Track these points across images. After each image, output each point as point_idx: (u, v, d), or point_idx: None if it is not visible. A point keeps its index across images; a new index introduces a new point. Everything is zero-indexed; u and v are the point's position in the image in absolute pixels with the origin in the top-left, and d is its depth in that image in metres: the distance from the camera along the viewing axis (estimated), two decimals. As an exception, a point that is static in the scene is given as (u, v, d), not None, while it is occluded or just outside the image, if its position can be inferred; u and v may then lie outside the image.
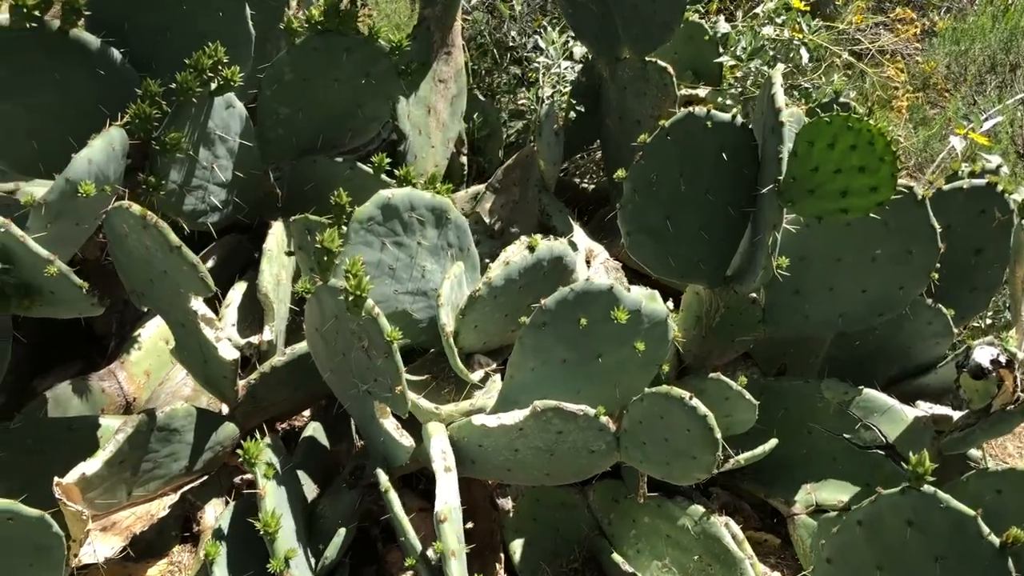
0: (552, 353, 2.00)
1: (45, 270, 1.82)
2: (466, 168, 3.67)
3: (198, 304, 2.01)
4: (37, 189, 2.19)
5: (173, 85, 2.20)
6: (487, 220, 3.22)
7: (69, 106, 2.31)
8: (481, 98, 3.86)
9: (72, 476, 1.84)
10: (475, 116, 3.79)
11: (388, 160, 2.50)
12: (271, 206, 2.78)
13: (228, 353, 2.07)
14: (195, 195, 2.43)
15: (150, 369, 2.48)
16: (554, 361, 2.01)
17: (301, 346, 2.24)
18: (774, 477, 2.55)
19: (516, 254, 2.15)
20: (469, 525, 2.66)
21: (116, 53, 2.31)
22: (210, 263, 2.64)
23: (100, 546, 1.97)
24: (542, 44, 3.58)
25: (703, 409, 1.84)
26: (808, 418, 2.54)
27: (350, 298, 1.73)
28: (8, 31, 2.14)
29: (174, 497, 2.16)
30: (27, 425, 2.11)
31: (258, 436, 1.91)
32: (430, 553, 1.86)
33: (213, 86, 2.28)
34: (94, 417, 2.21)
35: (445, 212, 2.23)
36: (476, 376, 2.21)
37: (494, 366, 2.28)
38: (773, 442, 2.31)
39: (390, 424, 1.93)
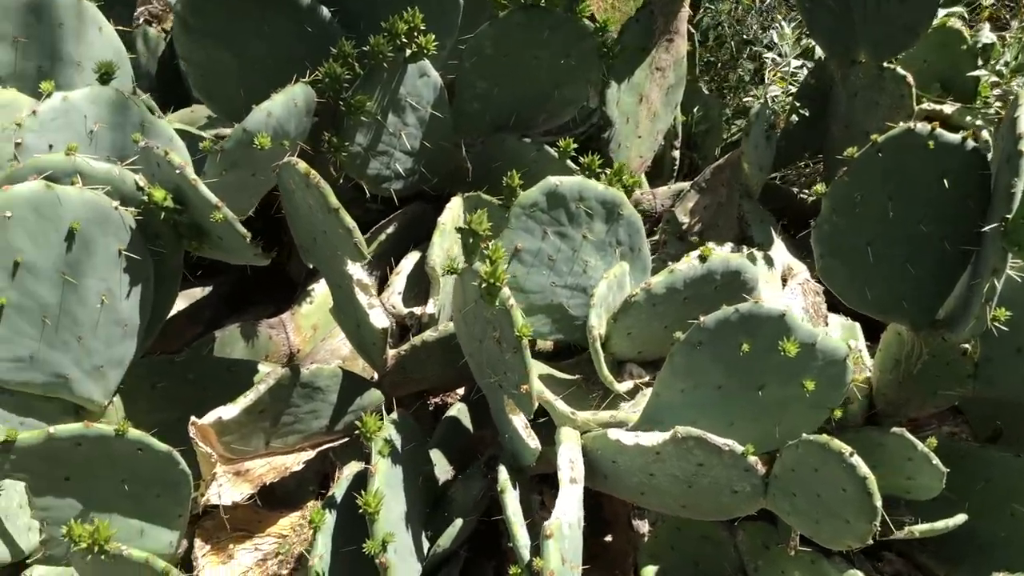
0: (706, 376, 1.82)
1: (212, 215, 1.87)
2: (677, 163, 3.47)
3: (354, 268, 2.00)
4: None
5: (367, 47, 2.19)
6: (684, 220, 3.02)
7: (276, 59, 2.38)
8: (705, 91, 3.64)
9: (209, 418, 1.89)
10: (695, 109, 3.58)
11: (575, 146, 2.39)
12: (461, 180, 2.75)
13: (379, 321, 2.04)
14: (380, 160, 2.43)
15: (318, 324, 2.53)
16: (707, 385, 1.83)
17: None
18: (962, 555, 2.20)
19: (684, 262, 1.97)
20: (608, 538, 2.53)
21: (325, 11, 2.35)
22: (390, 229, 2.64)
23: (229, 490, 2.02)
24: (776, 39, 3.30)
25: (863, 469, 1.59)
26: (1015, 497, 2.16)
27: (483, 284, 1.64)
28: (229, -21, 2.22)
29: (311, 454, 2.19)
30: (191, 360, 2.20)
31: (384, 411, 1.88)
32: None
33: (407, 53, 2.26)
34: (254, 362, 2.28)
35: (617, 207, 2.08)
36: (623, 386, 2.05)
37: (647, 379, 2.11)
38: (961, 518, 1.98)
39: (518, 422, 1.83)
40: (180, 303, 2.74)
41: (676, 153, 3.46)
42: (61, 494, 1.73)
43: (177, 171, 1.86)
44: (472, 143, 2.71)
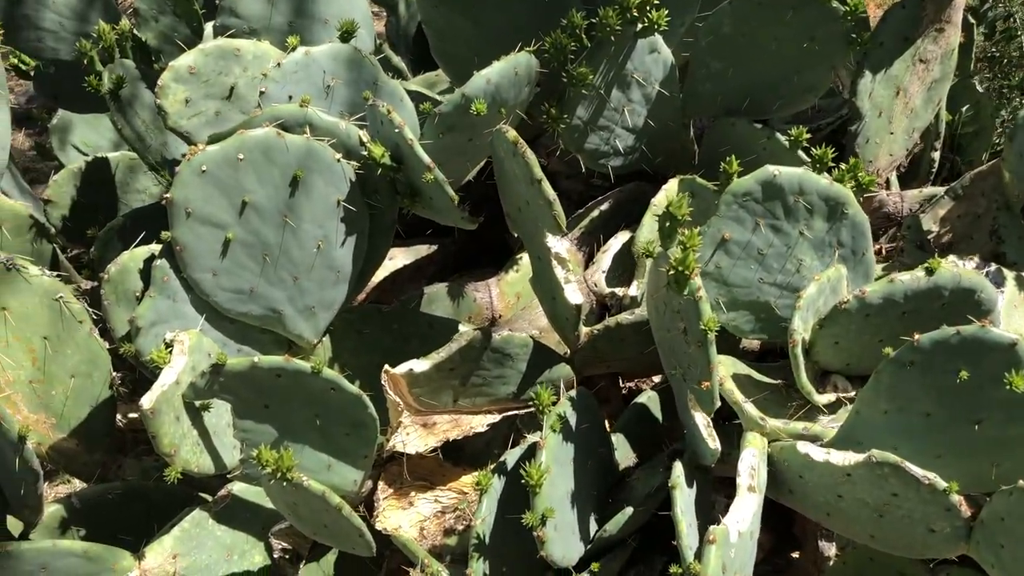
0: (914, 401, 1.64)
1: (424, 176, 1.93)
2: (936, 166, 3.16)
3: (554, 241, 1.99)
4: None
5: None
6: (932, 229, 2.75)
7: (511, 28, 2.40)
8: (979, 89, 3.27)
9: (401, 368, 1.96)
10: (964, 108, 3.24)
11: (808, 136, 2.24)
12: (684, 162, 2.66)
13: (573, 297, 2.03)
14: (600, 135, 2.40)
15: (521, 292, 2.55)
16: (914, 411, 1.65)
17: (652, 310, 2.13)
18: None
19: (908, 273, 1.78)
20: (795, 555, 2.38)
21: (566, -25, 2.33)
22: (604, 206, 2.61)
23: (415, 440, 2.09)
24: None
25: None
26: None
27: (671, 272, 1.57)
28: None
29: (496, 418, 2.22)
30: (397, 312, 2.30)
31: (563, 387, 1.86)
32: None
33: (637, 27, 2.20)
34: (454, 322, 2.34)
35: (842, 205, 1.92)
36: (824, 399, 1.90)
37: (851, 393, 1.94)
38: None
39: (699, 419, 1.75)
40: (406, 259, 2.87)
41: (936, 155, 3.15)
42: (260, 420, 1.87)
43: (396, 130, 1.93)
44: (700, 124, 2.61)
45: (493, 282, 2.55)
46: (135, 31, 2.62)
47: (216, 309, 1.95)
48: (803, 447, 1.73)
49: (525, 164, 1.86)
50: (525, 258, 2.59)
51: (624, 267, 2.46)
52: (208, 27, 2.64)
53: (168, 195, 1.80)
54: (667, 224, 1.66)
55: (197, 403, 1.80)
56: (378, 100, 2.03)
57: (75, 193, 2.98)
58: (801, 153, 2.31)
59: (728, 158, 1.97)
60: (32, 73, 3.35)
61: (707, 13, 2.41)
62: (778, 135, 2.38)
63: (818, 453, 1.71)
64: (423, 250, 2.93)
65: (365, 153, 1.98)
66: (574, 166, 2.54)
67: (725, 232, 1.92)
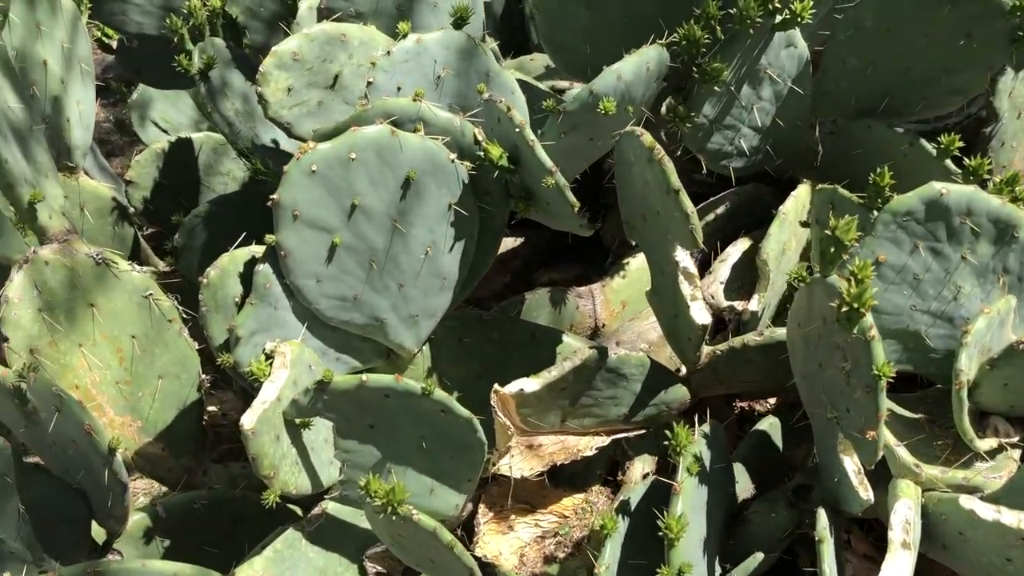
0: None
1: (544, 180, 1.77)
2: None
3: (682, 256, 1.82)
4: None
5: (733, 10, 1.96)
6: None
7: (630, 15, 2.22)
8: None
9: (511, 388, 1.82)
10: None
11: (960, 144, 2.02)
12: (806, 163, 2.45)
13: (700, 317, 1.86)
14: (724, 134, 2.21)
15: (628, 300, 2.38)
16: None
17: (782, 331, 1.94)
18: None
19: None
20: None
21: (691, -33, 2.14)
22: (720, 209, 2.42)
23: (520, 463, 1.95)
24: None
25: None
26: None
27: (843, 308, 1.38)
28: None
29: (604, 440, 2.06)
30: (498, 320, 2.14)
31: (696, 422, 1.70)
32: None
33: (777, 19, 2.00)
34: (558, 332, 2.18)
35: (1012, 228, 1.72)
36: (985, 444, 1.71)
37: (1016, 439, 1.75)
38: None
39: (850, 466, 1.57)
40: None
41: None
42: (364, 440, 1.73)
43: (516, 129, 1.76)
44: (828, 124, 2.40)
45: (597, 288, 2.38)
46: (224, 6, 2.47)
47: (317, 316, 1.81)
48: (968, 502, 1.55)
49: (662, 172, 1.68)
50: (632, 263, 2.42)
51: (744, 278, 2.28)
52: (303, 4, 2.48)
53: (275, 196, 1.66)
54: (832, 250, 1.47)
55: (298, 420, 1.67)
56: (494, 94, 1.86)
57: (157, 174, 2.87)
58: (949, 163, 2.09)
59: (879, 168, 1.78)
60: (115, 47, 3.26)
61: (847, 4, 2.19)
62: (923, 142, 2.17)
63: (986, 511, 1.52)
64: (509, 242, 2.78)
65: (481, 154, 1.82)
66: (677, 163, 2.36)
67: (880, 254, 1.72)
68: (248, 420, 1.57)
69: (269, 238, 1.71)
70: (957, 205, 1.69)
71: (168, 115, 3.40)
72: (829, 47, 2.26)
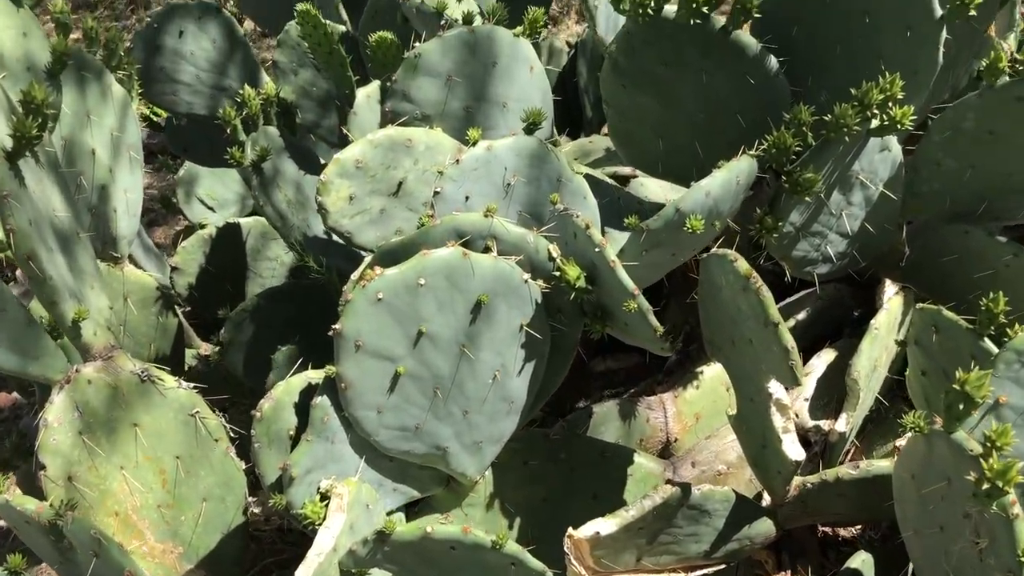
0: None
1: (625, 304, 1.62)
2: None
3: (776, 388, 1.66)
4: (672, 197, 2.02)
5: (826, 116, 1.82)
6: None
7: (706, 110, 2.10)
8: None
9: (586, 531, 1.66)
10: None
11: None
12: (892, 264, 2.29)
13: (793, 453, 1.69)
14: (810, 241, 2.05)
15: (702, 413, 2.22)
16: None
17: (881, 465, 1.77)
18: None
19: None
20: None
21: (773, 61, 2.01)
22: (801, 315, 2.26)
23: (592, 607, 1.78)
24: None
25: None
26: None
27: (984, 485, 1.22)
28: (671, 23, 1.96)
29: (681, 577, 1.90)
30: (565, 439, 1.99)
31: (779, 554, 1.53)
32: None
33: (874, 124, 1.86)
34: (629, 451, 2.03)
35: None
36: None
37: None
38: None
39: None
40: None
41: None
42: (425, 591, 1.58)
43: (596, 249, 1.63)
44: (918, 225, 2.24)
45: (668, 399, 2.22)
46: (279, 94, 2.38)
47: (375, 447, 1.67)
48: None
49: (759, 303, 1.53)
50: (707, 372, 2.26)
51: (830, 394, 2.11)
52: (360, 93, 2.39)
53: (337, 327, 1.52)
54: (960, 406, 1.31)
55: (354, 570, 1.52)
56: (569, 208, 1.73)
57: (203, 260, 2.77)
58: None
59: (994, 296, 1.62)
60: (163, 124, 3.19)
61: (944, 105, 2.05)
62: (1030, 253, 2.00)
63: None
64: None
65: (556, 273, 1.68)
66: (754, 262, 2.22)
67: (1001, 396, 1.55)
68: (303, 574, 1.42)
69: (329, 369, 1.57)
70: (1090, 344, 1.52)
71: (214, 192, 3.32)
72: (923, 147, 2.11)
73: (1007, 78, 1.93)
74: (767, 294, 1.53)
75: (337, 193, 1.81)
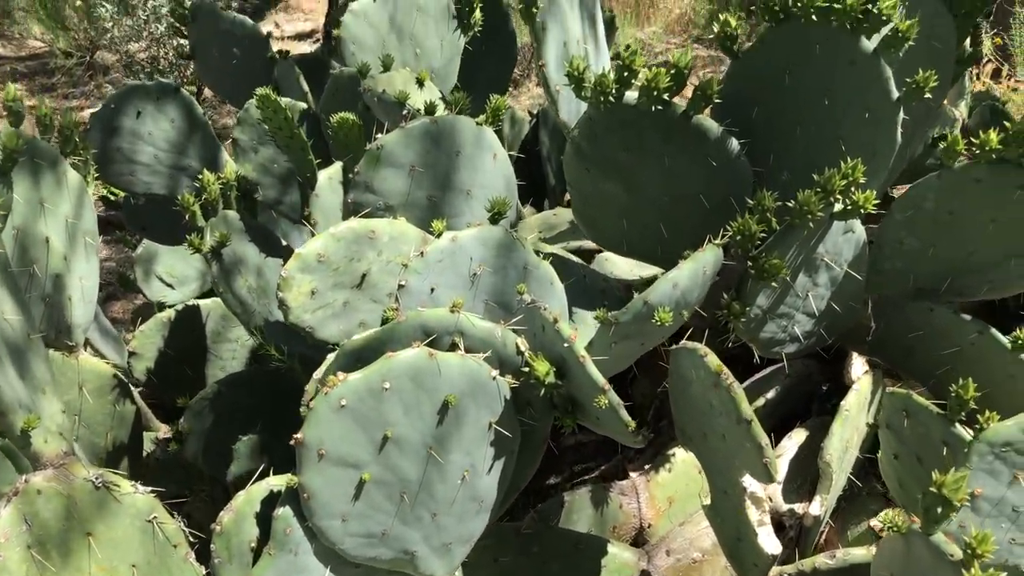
0: None
1: (596, 399, 1.59)
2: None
3: (750, 481, 1.64)
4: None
5: (789, 202, 1.82)
6: None
7: (670, 192, 2.10)
8: None
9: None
10: None
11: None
12: (858, 338, 2.30)
13: (770, 545, 1.66)
14: (778, 323, 2.05)
15: (675, 496, 2.19)
16: None
17: (857, 554, 1.75)
18: None
19: None
20: None
21: (735, 144, 2.02)
22: (771, 393, 2.26)
23: None
24: None
25: None
26: None
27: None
28: (633, 109, 1.96)
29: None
30: (537, 532, 1.94)
31: None
32: None
33: (837, 208, 1.87)
34: (603, 541, 1.99)
35: (1123, 456, 1.54)
36: None
37: None
38: None
39: None
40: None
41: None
42: None
43: (565, 344, 1.60)
44: (883, 301, 2.25)
45: (641, 483, 2.19)
46: (239, 176, 2.34)
47: (341, 555, 1.61)
48: None
49: (731, 400, 1.51)
50: (679, 454, 2.23)
51: (803, 476, 2.09)
52: (322, 175, 2.36)
53: (299, 436, 1.47)
54: (938, 508, 1.29)
55: None
56: (537, 299, 1.70)
57: (162, 343, 2.70)
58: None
59: (963, 382, 1.62)
60: (120, 203, 3.14)
61: (903, 185, 2.07)
62: (993, 332, 2.01)
63: None
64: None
65: (526, 369, 1.65)
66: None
67: (976, 488, 1.54)
68: None
69: (291, 479, 1.52)
70: (1062, 433, 1.52)
71: (174, 269, 3.26)
72: (885, 226, 2.13)
73: (964, 159, 1.96)
74: (739, 391, 1.51)
75: (299, 288, 1.77)
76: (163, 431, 2.84)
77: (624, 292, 2.40)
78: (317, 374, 1.65)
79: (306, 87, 3.16)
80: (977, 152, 1.90)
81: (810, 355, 2.37)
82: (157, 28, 5.21)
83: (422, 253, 1.74)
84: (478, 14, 2.99)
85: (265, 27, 8.08)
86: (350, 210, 1.90)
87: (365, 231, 1.81)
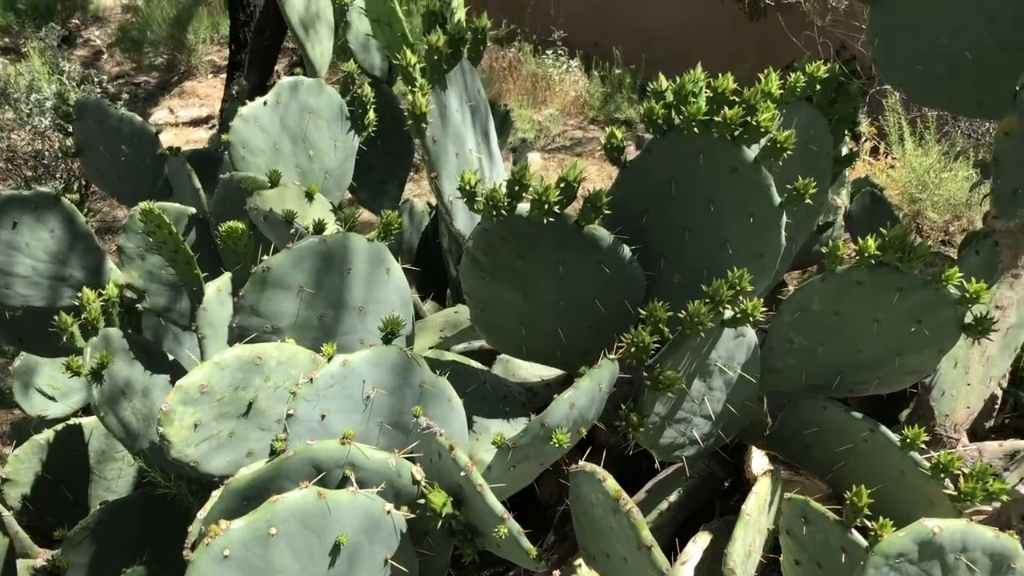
0: None
1: (495, 529, 1.55)
2: (998, 403, 2.88)
3: (654, 603, 1.61)
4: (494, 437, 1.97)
5: (681, 313, 1.84)
6: (1021, 491, 2.43)
7: (566, 298, 2.10)
8: (1038, 322, 3.04)
9: None
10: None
11: (926, 438, 1.91)
12: (757, 433, 2.33)
13: (674, 667, 1.63)
14: (676, 428, 2.05)
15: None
16: None
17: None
18: None
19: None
20: None
21: (626, 251, 2.04)
22: (673, 496, 2.24)
23: None
24: None
25: None
26: None
27: None
28: (525, 221, 1.97)
29: None
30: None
31: None
32: None
33: (727, 315, 1.90)
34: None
35: (1008, 559, 1.58)
36: None
37: None
38: None
39: None
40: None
41: (999, 391, 2.87)
42: None
43: (462, 473, 1.56)
44: (778, 398, 2.28)
45: (552, 590, 2.14)
46: (122, 291, 2.25)
47: None
48: None
49: (631, 527, 1.49)
50: (584, 570, 2.19)
51: (709, 581, 2.07)
52: (210, 288, 2.28)
53: (179, 595, 1.38)
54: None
55: None
56: (432, 424, 1.66)
57: (40, 468, 2.54)
58: (915, 455, 1.98)
59: (857, 488, 1.66)
60: (-5, 315, 2.97)
61: (794, 288, 2.12)
62: (883, 430, 2.05)
63: None
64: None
65: (421, 501, 1.60)
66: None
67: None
68: None
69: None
70: (952, 543, 1.55)
71: (56, 381, 3.09)
72: (775, 326, 2.17)
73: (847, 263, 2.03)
74: (637, 517, 1.49)
75: (180, 422, 1.69)
76: (42, 555, 2.66)
77: (526, 396, 2.38)
78: (201, 514, 1.56)
79: (198, 184, 3.08)
80: (857, 256, 1.96)
81: (711, 452, 2.38)
82: (41, 121, 5.05)
83: (311, 379, 1.69)
84: (372, 115, 2.99)
85: (159, 112, 7.98)
86: (235, 335, 1.83)
87: (251, 357, 1.74)
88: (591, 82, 8.16)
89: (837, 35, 5.58)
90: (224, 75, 7.35)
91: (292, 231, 1.96)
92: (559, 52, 8.41)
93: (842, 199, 3.48)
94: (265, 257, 1.82)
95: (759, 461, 2.31)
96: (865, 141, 6.31)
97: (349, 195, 3.41)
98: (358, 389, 1.75)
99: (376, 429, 1.80)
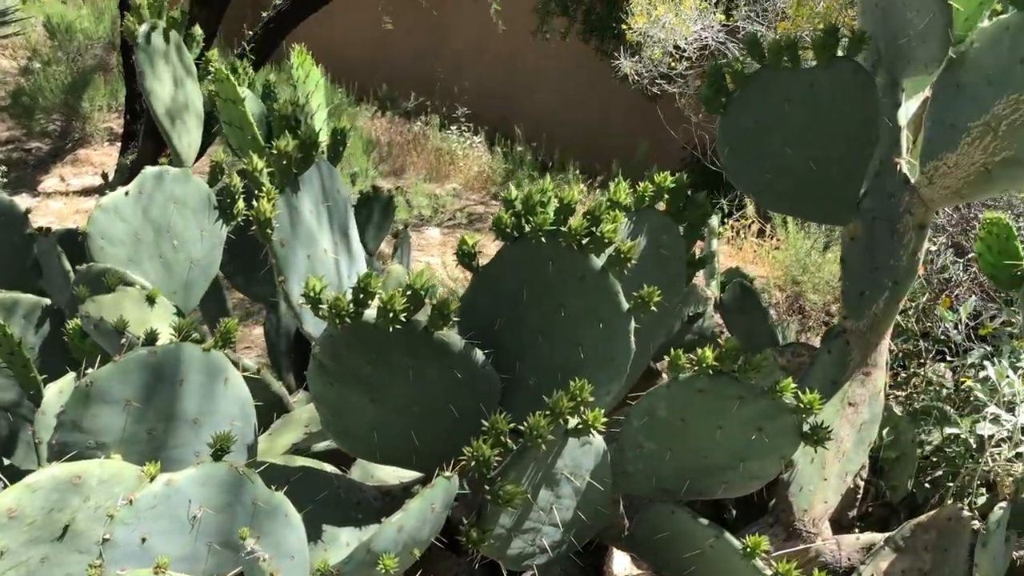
0: None
1: (320, 661, 1.50)
2: (860, 493, 2.96)
3: None
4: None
5: (523, 425, 1.84)
6: (882, 590, 2.49)
7: (419, 402, 2.08)
8: (897, 411, 3.16)
9: None
10: (884, 432, 3.10)
11: (767, 547, 1.94)
12: (614, 535, 2.33)
13: None
14: (524, 538, 2.04)
15: None
16: None
17: None
18: None
19: None
20: None
21: (479, 356, 2.04)
22: (530, 603, 2.21)
23: None
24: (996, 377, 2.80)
25: None
26: None
27: None
28: (371, 327, 1.95)
29: None
30: None
31: None
32: None
33: (571, 424, 1.90)
34: None
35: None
36: None
37: None
38: None
39: None
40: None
41: (860, 481, 2.95)
42: None
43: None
44: (631, 500, 2.30)
45: None
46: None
47: None
48: None
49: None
50: None
51: None
52: (50, 390, 2.19)
53: None
54: None
55: None
56: (257, 549, 1.61)
57: None
58: (758, 562, 2.01)
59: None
60: None
61: (638, 393, 2.15)
62: (727, 537, 2.08)
63: None
64: None
65: (240, 631, 1.53)
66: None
67: None
68: None
69: None
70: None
71: None
72: (625, 431, 2.19)
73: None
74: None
75: (-17, 552, 1.59)
76: None
77: (382, 501, 2.33)
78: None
79: (68, 266, 2.98)
80: (696, 365, 2.01)
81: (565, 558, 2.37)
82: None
83: (131, 501, 1.62)
84: (241, 204, 2.95)
85: (50, 180, 7.75)
86: (54, 452, 1.75)
87: (68, 477, 1.66)
88: (494, 158, 8.29)
89: (711, 129, 5.82)
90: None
91: (122, 341, 1.90)
92: (463, 128, 8.54)
93: (712, 290, 3.58)
94: (89, 370, 1.76)
95: (620, 563, 2.31)
96: (751, 223, 6.54)
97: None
98: (183, 509, 1.69)
99: (205, 549, 1.72)
